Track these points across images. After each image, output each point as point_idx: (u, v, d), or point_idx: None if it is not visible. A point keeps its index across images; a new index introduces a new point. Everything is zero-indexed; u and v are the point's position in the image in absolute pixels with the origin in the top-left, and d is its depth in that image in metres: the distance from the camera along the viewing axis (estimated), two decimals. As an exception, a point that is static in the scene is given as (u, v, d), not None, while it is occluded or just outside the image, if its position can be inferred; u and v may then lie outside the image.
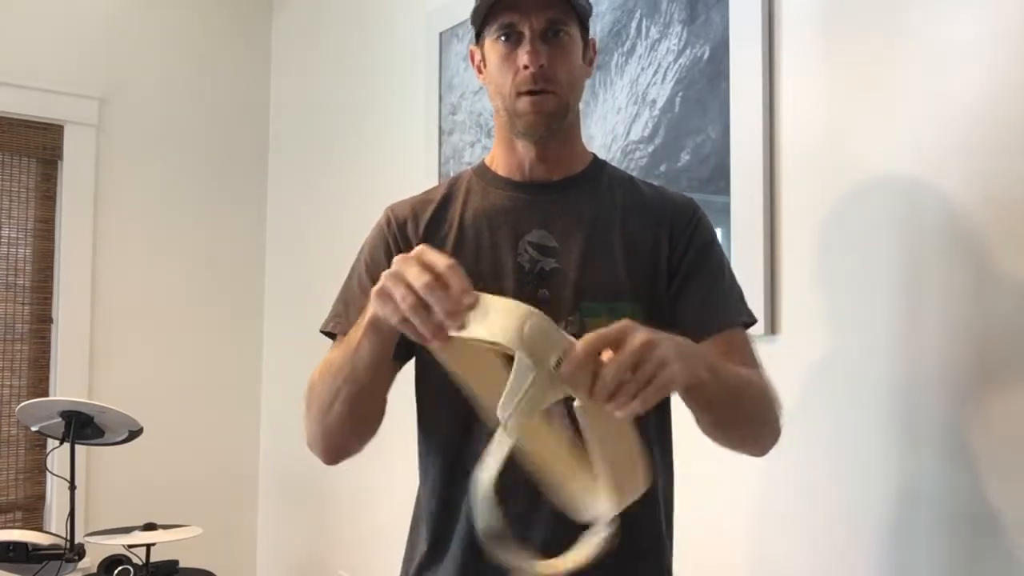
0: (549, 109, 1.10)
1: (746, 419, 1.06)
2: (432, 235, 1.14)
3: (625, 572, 1.09)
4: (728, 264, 1.18)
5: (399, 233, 1.16)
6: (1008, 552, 1.21)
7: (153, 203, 3.22)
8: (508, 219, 1.14)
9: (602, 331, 0.80)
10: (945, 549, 1.28)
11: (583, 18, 1.15)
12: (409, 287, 0.84)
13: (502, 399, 0.79)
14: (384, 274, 0.87)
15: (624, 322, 0.82)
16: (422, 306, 0.83)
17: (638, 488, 0.85)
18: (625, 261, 1.12)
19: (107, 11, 3.16)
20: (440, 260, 0.85)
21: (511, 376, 0.78)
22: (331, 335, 1.15)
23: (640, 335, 0.81)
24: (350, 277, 1.18)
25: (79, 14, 3.10)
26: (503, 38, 1.10)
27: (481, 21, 1.13)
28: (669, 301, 1.13)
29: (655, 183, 1.27)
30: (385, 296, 0.86)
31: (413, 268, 0.85)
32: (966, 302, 1.27)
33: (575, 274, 1.10)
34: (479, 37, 1.16)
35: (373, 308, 0.90)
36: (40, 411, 2.38)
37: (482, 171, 1.20)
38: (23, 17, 2.99)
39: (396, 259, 0.87)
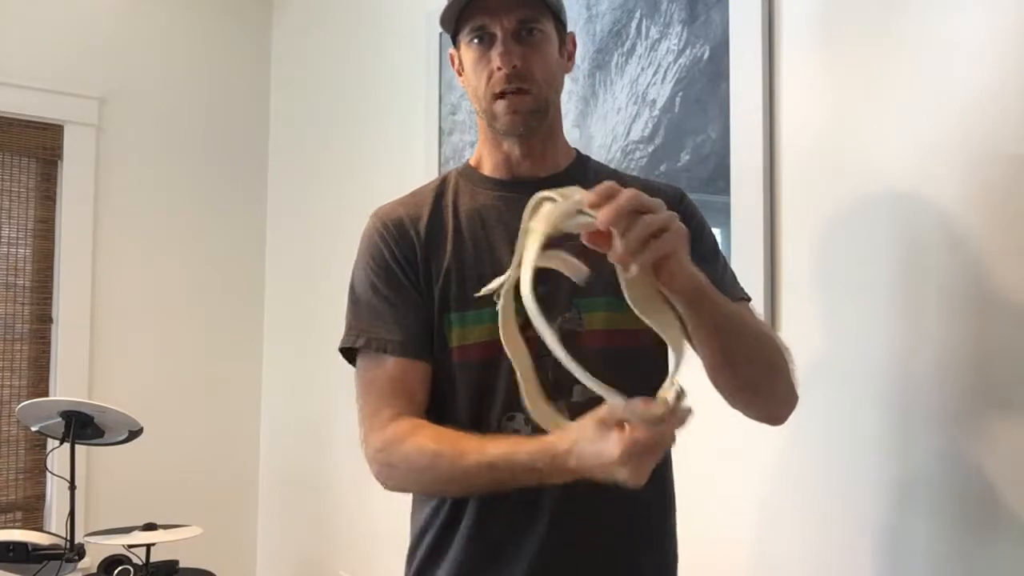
0: (526, 108, 1.10)
1: (753, 356, 1.03)
2: (434, 237, 1.14)
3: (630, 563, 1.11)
4: (720, 249, 1.20)
5: (398, 235, 1.14)
6: (1003, 548, 1.21)
7: (153, 203, 3.22)
8: (501, 218, 1.14)
9: (642, 197, 0.83)
10: (941, 545, 1.28)
11: (557, 13, 1.14)
12: None
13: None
14: None
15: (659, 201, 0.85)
16: None
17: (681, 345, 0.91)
18: None
19: (107, 11, 3.16)
20: None
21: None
22: (351, 352, 1.15)
23: (673, 217, 0.85)
24: (353, 289, 1.17)
25: (79, 14, 3.10)
26: (476, 40, 1.11)
27: (454, 24, 1.13)
28: None
29: (639, 175, 1.28)
30: None
31: None
32: (965, 301, 1.27)
33: None
34: (455, 40, 1.16)
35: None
36: (40, 411, 2.38)
37: (468, 172, 1.20)
38: (23, 17, 2.99)
39: None
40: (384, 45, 2.77)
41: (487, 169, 1.19)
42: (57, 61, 3.04)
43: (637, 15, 1.81)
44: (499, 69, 1.08)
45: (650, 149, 1.77)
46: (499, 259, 1.11)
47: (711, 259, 1.15)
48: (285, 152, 3.38)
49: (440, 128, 2.42)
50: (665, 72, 1.74)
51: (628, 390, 0.86)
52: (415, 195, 1.20)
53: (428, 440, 1.04)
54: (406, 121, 2.61)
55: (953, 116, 1.29)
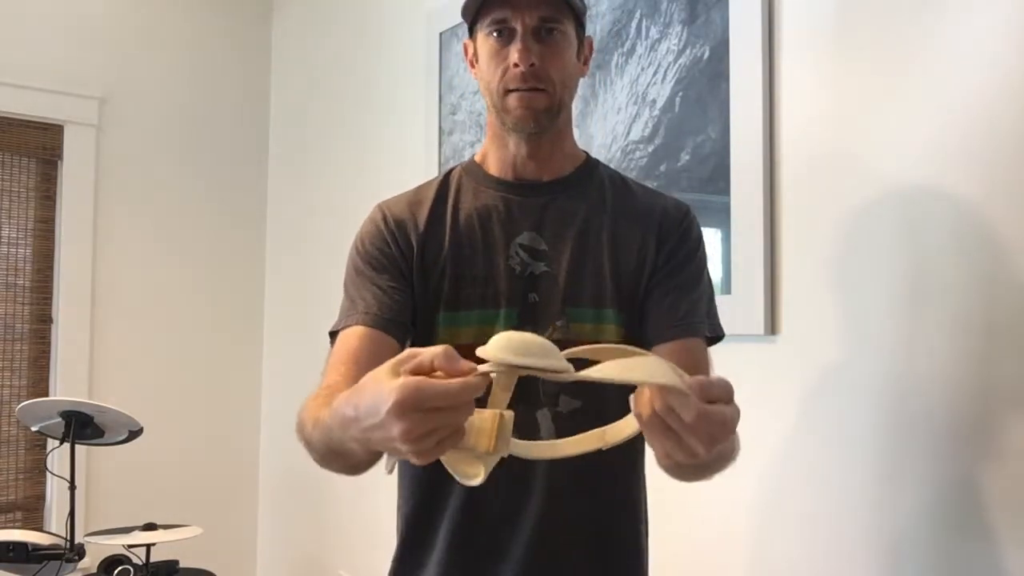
0: (539, 106, 1.08)
1: (721, 456, 0.94)
2: (432, 235, 1.13)
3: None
4: (707, 275, 1.17)
5: (398, 231, 1.13)
6: (996, 557, 1.21)
7: (153, 203, 3.22)
8: (500, 220, 1.13)
9: (717, 385, 0.74)
10: (932, 552, 1.28)
11: (579, 15, 1.13)
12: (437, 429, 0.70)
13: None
14: (403, 430, 0.69)
15: (729, 387, 0.76)
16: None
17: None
18: (612, 267, 1.11)
19: (107, 11, 3.16)
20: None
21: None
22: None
23: (734, 406, 0.77)
24: (349, 279, 1.15)
25: (79, 14, 3.10)
26: (495, 34, 1.09)
27: (474, 15, 1.12)
28: (640, 301, 1.11)
29: (652, 184, 1.27)
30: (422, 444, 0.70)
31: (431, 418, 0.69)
32: (966, 303, 1.27)
33: (563, 279, 1.10)
34: (472, 31, 1.15)
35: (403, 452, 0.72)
36: (40, 411, 2.38)
37: (472, 169, 1.19)
38: (23, 17, 3.00)
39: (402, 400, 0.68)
40: (384, 45, 2.77)
41: (492, 168, 1.17)
42: (57, 61, 3.04)
43: (637, 15, 1.81)
44: (516, 66, 1.07)
45: (650, 149, 1.77)
46: (493, 260, 1.11)
47: (689, 287, 1.12)
48: (285, 152, 3.38)
49: (440, 128, 2.42)
50: (665, 72, 1.74)
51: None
52: (419, 191, 1.19)
53: (311, 409, 0.94)
54: (406, 121, 2.61)
55: (953, 115, 1.29)
